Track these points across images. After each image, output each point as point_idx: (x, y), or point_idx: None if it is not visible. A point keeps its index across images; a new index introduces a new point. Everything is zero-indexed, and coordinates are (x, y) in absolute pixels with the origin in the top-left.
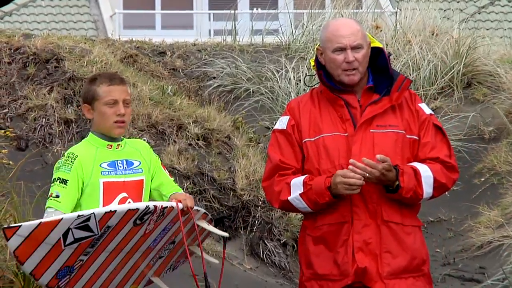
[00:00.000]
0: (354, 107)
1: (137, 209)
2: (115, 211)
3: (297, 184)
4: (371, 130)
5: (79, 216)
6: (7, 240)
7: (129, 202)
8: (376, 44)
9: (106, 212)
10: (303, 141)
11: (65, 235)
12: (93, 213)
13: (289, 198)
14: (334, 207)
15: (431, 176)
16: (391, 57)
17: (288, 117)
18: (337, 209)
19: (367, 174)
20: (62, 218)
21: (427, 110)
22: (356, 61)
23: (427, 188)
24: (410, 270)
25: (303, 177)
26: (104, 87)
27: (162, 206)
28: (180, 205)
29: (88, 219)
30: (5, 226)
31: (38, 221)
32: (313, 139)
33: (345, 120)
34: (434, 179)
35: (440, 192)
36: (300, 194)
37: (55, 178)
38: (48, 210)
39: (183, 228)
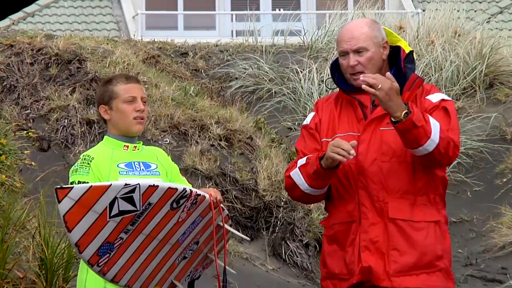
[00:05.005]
0: (366, 106)
1: (176, 189)
2: (158, 186)
3: (302, 160)
4: (381, 128)
5: (126, 184)
6: (59, 202)
7: None
8: (400, 43)
9: (149, 186)
10: (321, 140)
11: (111, 204)
12: (139, 184)
13: (291, 173)
14: (343, 207)
15: (437, 124)
16: (414, 55)
17: (314, 113)
18: (346, 209)
19: (379, 85)
20: (111, 184)
21: (437, 98)
22: (360, 65)
23: (435, 130)
24: (421, 267)
25: (311, 155)
26: (122, 85)
27: (196, 192)
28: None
29: (133, 190)
30: (58, 186)
31: (89, 185)
32: (330, 139)
33: (359, 119)
34: (440, 129)
35: (445, 148)
36: (299, 167)
37: (73, 181)
38: None
39: (214, 221)
